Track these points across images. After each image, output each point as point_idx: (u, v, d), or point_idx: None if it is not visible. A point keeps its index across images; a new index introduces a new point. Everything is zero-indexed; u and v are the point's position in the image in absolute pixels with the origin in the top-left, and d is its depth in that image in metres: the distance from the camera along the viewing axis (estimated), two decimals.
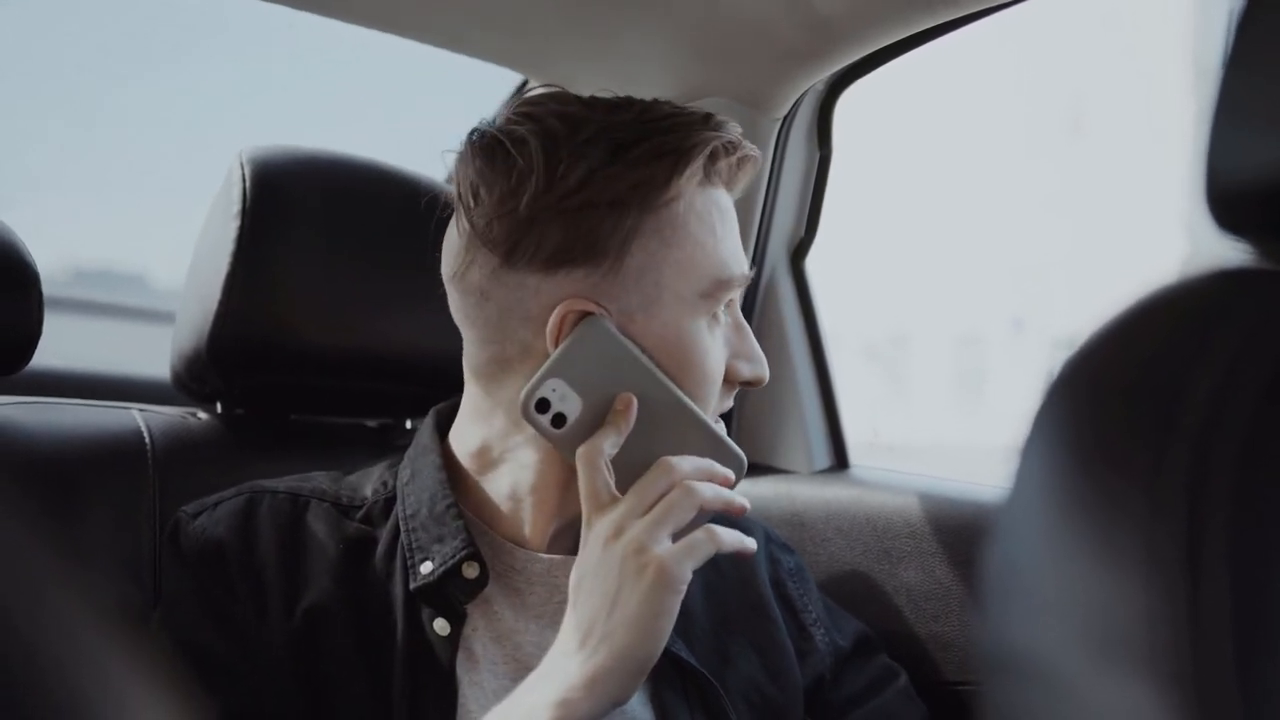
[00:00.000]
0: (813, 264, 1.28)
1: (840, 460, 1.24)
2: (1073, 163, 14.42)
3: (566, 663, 0.66)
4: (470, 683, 0.72)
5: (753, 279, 1.26)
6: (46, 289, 0.89)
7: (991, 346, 15.01)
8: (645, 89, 0.82)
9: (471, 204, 0.74)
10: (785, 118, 1.21)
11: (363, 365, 1.00)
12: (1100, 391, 0.36)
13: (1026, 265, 14.54)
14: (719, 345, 0.76)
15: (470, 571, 0.74)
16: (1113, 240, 13.96)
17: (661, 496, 0.68)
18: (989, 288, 14.99)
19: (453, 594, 0.74)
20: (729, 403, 0.79)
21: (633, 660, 0.65)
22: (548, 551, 0.77)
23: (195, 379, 1.00)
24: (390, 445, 1.05)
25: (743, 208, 1.24)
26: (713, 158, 0.75)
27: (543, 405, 0.71)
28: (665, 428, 0.72)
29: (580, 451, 0.70)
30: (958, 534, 0.99)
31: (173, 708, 0.23)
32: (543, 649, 0.70)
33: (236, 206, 0.94)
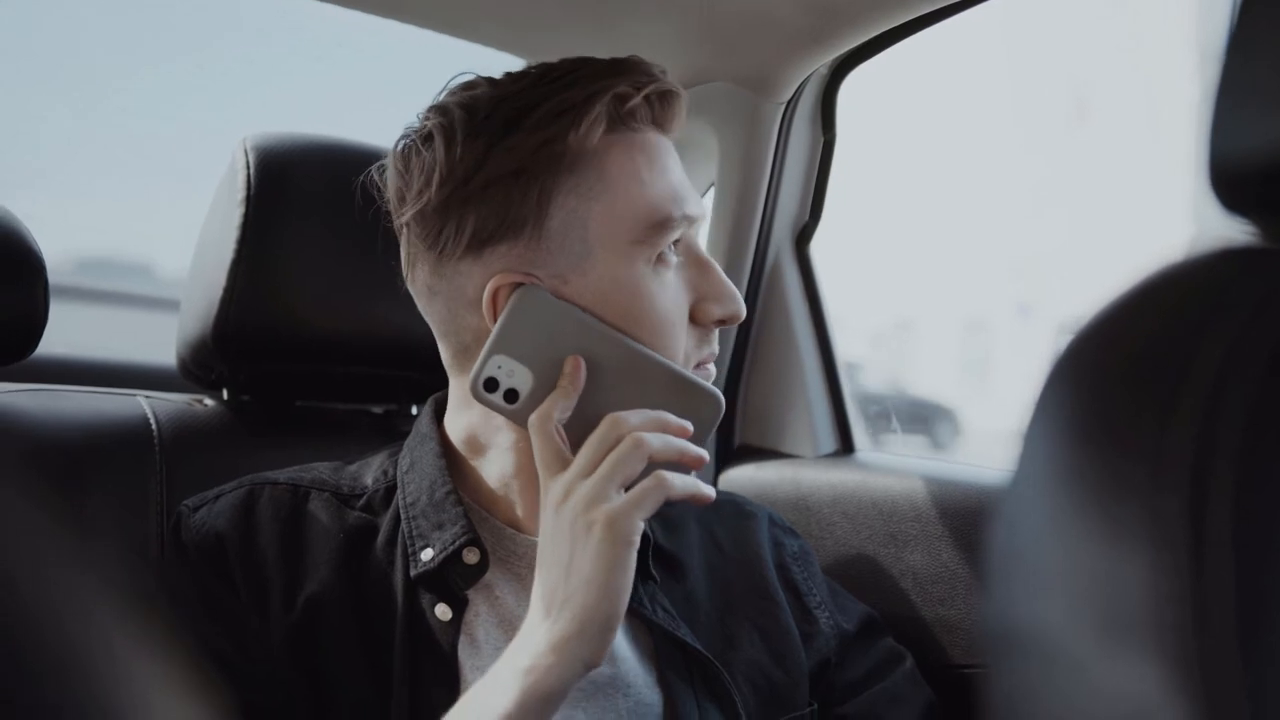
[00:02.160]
0: (817, 249, 1.28)
1: (846, 444, 1.24)
2: (1078, 147, 14.36)
3: (534, 631, 0.66)
4: (473, 667, 0.72)
5: (757, 264, 1.27)
6: (52, 277, 0.89)
7: (998, 332, 14.98)
8: None
9: (400, 207, 0.76)
10: (789, 102, 1.21)
11: (368, 351, 1.01)
12: (1104, 370, 0.36)
13: (1033, 251, 14.49)
14: (670, 288, 0.74)
15: (471, 557, 0.74)
16: (1120, 224, 13.91)
17: (610, 452, 0.67)
18: (995, 273, 14.96)
19: (454, 580, 0.74)
20: (713, 346, 0.77)
21: (595, 621, 0.64)
22: None
23: (201, 366, 1.00)
24: (395, 431, 1.05)
25: (747, 193, 1.25)
26: (620, 100, 0.73)
27: (491, 384, 0.72)
28: (625, 382, 0.71)
29: (530, 420, 0.70)
30: (963, 517, 0.99)
31: (183, 690, 0.23)
32: None
33: (240, 193, 0.94)
